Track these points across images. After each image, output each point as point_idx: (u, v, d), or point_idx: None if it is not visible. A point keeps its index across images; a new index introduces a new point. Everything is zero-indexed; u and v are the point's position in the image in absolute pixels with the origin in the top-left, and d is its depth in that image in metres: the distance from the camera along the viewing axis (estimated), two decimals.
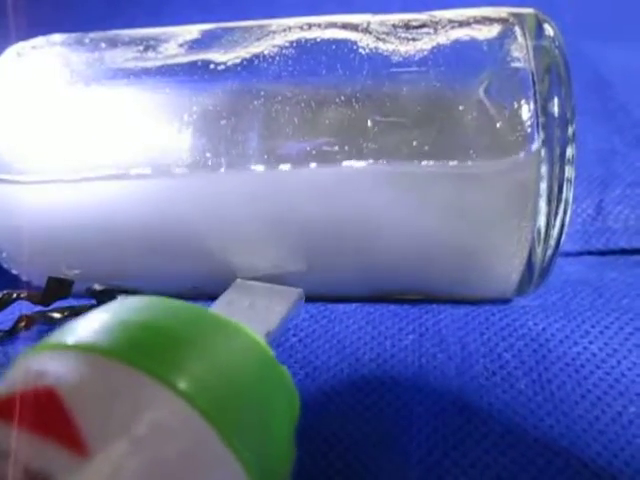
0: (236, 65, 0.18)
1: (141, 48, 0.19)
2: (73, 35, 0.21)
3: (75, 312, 0.19)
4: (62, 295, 0.19)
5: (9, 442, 0.09)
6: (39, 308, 0.19)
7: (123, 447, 0.09)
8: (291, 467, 0.12)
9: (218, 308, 0.17)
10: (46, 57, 0.20)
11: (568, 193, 0.17)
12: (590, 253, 0.25)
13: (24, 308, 0.20)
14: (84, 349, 0.10)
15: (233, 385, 0.11)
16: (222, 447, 0.10)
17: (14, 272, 0.21)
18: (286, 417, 0.12)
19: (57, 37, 0.21)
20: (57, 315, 0.19)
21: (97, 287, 0.18)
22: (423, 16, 0.18)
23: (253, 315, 0.17)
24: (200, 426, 0.10)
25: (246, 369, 0.12)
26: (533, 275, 0.18)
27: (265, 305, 0.17)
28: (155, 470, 0.09)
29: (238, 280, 0.19)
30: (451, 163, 0.16)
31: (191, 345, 0.11)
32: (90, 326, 0.11)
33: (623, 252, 0.25)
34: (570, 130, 0.16)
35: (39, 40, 0.21)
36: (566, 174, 0.17)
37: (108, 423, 0.09)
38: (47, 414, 0.09)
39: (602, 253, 0.25)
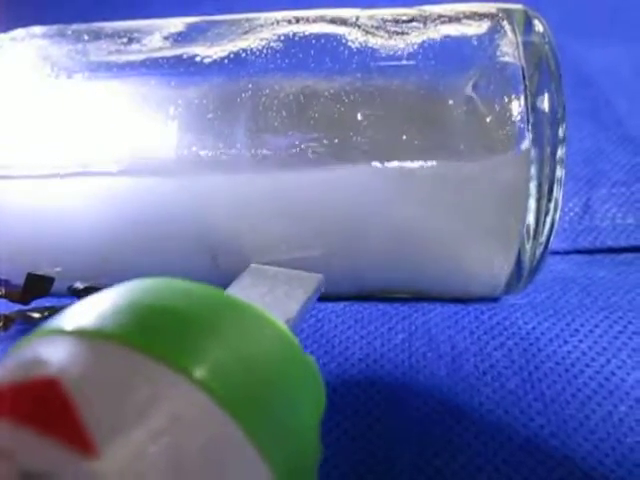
0: (223, 58, 0.18)
1: (125, 40, 0.19)
2: (54, 27, 0.20)
3: (56, 312, 0.18)
4: (42, 292, 0.18)
5: (4, 440, 0.08)
6: (18, 308, 0.19)
7: (134, 445, 0.08)
8: (317, 463, 0.11)
9: (233, 294, 0.16)
10: (26, 49, 0.20)
11: (558, 192, 0.17)
12: (578, 252, 0.25)
13: (2, 307, 0.19)
14: (90, 334, 0.09)
15: (256, 374, 0.10)
16: (244, 440, 0.09)
17: None
18: (312, 408, 0.11)
19: (37, 29, 0.20)
20: (36, 315, 0.19)
21: (79, 285, 0.18)
22: (412, 11, 0.18)
23: (271, 301, 0.16)
24: (220, 418, 0.09)
25: (269, 357, 0.11)
26: (522, 273, 0.18)
27: (284, 291, 0.16)
28: (168, 470, 0.08)
29: (253, 265, 0.18)
30: (440, 161, 0.16)
31: (209, 330, 0.10)
32: (96, 308, 0.10)
33: (610, 251, 0.25)
34: (561, 129, 0.16)
35: (19, 32, 0.20)
36: (557, 173, 0.17)
37: (117, 418, 0.08)
38: (48, 408, 0.08)
39: (590, 252, 0.25)
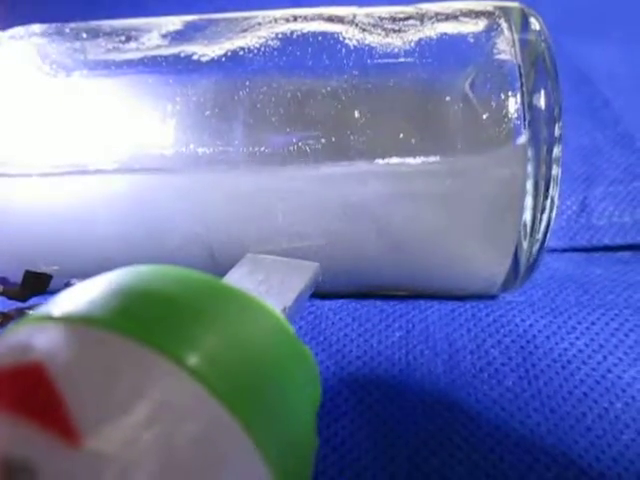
0: (221, 57, 0.18)
1: (123, 39, 0.19)
2: (53, 25, 0.20)
3: None
4: (40, 290, 0.18)
5: None
6: (15, 305, 0.19)
7: (123, 433, 0.08)
8: (313, 456, 0.11)
9: (228, 282, 0.16)
10: (25, 47, 0.20)
11: (555, 190, 0.17)
12: (575, 250, 0.25)
13: (0, 305, 0.19)
14: (78, 320, 0.09)
15: (250, 363, 0.10)
16: (238, 430, 0.09)
17: None
18: (308, 399, 0.11)
19: (36, 27, 0.20)
20: None
21: (76, 282, 0.18)
22: (409, 8, 0.18)
23: (267, 290, 0.15)
24: (214, 408, 0.09)
25: (265, 346, 0.10)
26: (519, 271, 0.18)
27: (280, 279, 0.16)
28: (159, 459, 0.08)
29: (249, 254, 0.17)
30: (437, 158, 0.16)
31: (202, 317, 0.10)
32: (86, 295, 0.10)
33: (607, 249, 0.25)
34: (557, 127, 0.16)
35: (17, 30, 0.20)
36: (553, 171, 0.17)
37: (105, 405, 0.08)
38: (31, 394, 0.08)
39: (587, 250, 0.25)
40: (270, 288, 0.16)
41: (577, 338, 0.18)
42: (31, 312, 0.10)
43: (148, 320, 0.09)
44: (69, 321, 0.09)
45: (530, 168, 0.16)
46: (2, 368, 0.08)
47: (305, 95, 0.17)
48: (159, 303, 0.10)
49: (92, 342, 0.09)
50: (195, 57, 0.18)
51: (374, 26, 0.18)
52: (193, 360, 0.09)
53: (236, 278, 0.16)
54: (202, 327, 0.10)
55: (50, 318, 0.09)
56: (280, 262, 0.17)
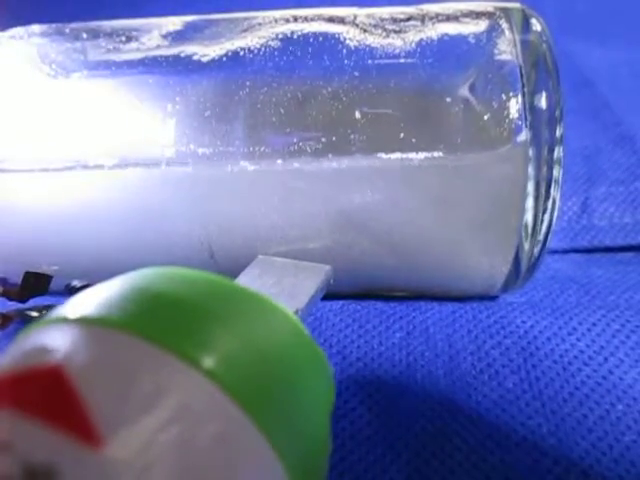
0: (221, 57, 0.18)
1: (123, 39, 0.19)
2: (53, 25, 0.20)
3: None
4: (40, 290, 0.18)
5: (5, 430, 0.08)
6: (16, 306, 0.19)
7: (142, 435, 0.08)
8: (328, 457, 0.11)
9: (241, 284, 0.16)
10: (25, 48, 0.20)
11: (556, 191, 0.17)
12: (576, 251, 0.25)
13: (0, 306, 0.19)
14: (95, 322, 0.09)
15: (265, 364, 0.10)
16: (254, 431, 0.09)
17: None
18: (323, 401, 0.11)
19: (36, 27, 0.20)
20: (35, 314, 0.19)
21: (77, 283, 0.18)
22: (410, 9, 0.18)
23: (280, 292, 0.15)
24: (230, 409, 0.09)
25: (279, 348, 0.10)
26: (520, 271, 0.18)
27: (292, 282, 0.16)
28: (177, 462, 0.08)
29: (260, 256, 0.17)
30: (438, 156, 0.16)
31: (217, 318, 0.10)
32: (102, 297, 0.10)
33: (608, 250, 0.25)
34: (559, 128, 0.16)
35: (17, 30, 0.20)
36: (554, 171, 0.17)
37: (123, 407, 0.08)
38: (51, 397, 0.08)
39: (588, 251, 0.25)
40: (282, 290, 0.16)
41: (578, 339, 0.18)
42: (48, 314, 0.10)
43: (163, 322, 0.09)
44: (85, 323, 0.09)
45: (531, 169, 0.16)
46: (21, 371, 0.08)
47: (306, 95, 0.17)
48: (174, 305, 0.10)
49: (109, 344, 0.09)
50: (195, 57, 0.18)
51: (375, 27, 0.18)
52: (209, 362, 0.09)
53: (248, 280, 0.16)
54: (217, 329, 0.10)
55: (66, 320, 0.09)
56: (292, 264, 0.17)
